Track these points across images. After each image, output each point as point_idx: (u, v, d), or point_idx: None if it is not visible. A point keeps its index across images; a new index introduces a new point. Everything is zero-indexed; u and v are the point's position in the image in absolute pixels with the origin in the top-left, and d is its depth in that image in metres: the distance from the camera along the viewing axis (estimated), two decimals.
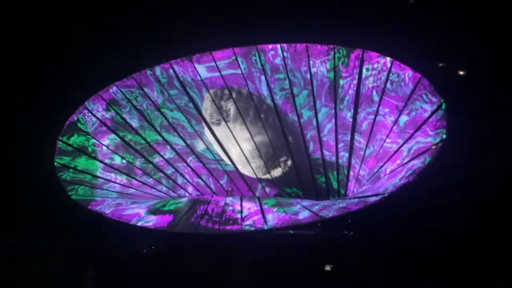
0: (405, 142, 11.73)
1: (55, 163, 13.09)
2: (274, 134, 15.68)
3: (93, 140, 14.15)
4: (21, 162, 12.27)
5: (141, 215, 11.87)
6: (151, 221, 11.61)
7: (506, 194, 9.33)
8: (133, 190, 14.74)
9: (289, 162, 16.23)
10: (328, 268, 8.72)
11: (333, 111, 13.92)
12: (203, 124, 15.82)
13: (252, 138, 15.88)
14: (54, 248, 9.36)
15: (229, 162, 16.64)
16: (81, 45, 12.64)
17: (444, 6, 10.73)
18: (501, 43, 10.30)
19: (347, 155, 14.32)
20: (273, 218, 11.45)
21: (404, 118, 11.89)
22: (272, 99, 14.76)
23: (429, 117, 11.10)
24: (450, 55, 11.28)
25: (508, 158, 10.04)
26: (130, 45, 12.99)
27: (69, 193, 12.50)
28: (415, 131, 11.44)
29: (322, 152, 15.15)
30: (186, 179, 16.51)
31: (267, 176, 16.74)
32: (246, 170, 16.78)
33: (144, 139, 15.25)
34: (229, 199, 12.81)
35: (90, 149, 14.07)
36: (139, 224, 11.44)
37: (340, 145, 14.41)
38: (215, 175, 16.88)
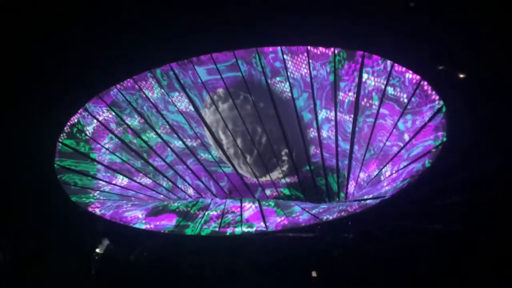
0: (406, 145, 11.72)
1: (55, 165, 13.09)
2: (274, 135, 15.68)
3: (93, 142, 14.15)
4: (20, 163, 12.28)
5: (141, 217, 11.86)
6: (151, 223, 11.60)
7: (506, 196, 9.33)
8: (133, 192, 14.73)
9: (288, 164, 16.22)
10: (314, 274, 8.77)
11: (333, 113, 13.91)
12: (204, 126, 15.81)
13: (250, 137, 15.87)
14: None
15: (229, 164, 16.64)
16: (81, 46, 12.67)
17: (444, 9, 10.74)
18: (502, 45, 10.31)
19: (347, 157, 14.30)
20: (273, 220, 11.43)
21: (404, 121, 11.89)
22: (272, 101, 14.75)
23: (429, 119, 11.10)
24: (450, 57, 11.30)
25: (509, 161, 10.04)
26: (130, 47, 13.01)
27: (69, 196, 12.49)
28: (416, 134, 11.43)
29: (322, 155, 15.15)
30: (186, 181, 16.51)
31: (267, 178, 16.74)
32: (245, 171, 16.78)
33: (145, 141, 15.25)
34: (229, 202, 12.80)
35: (90, 151, 14.07)
36: (139, 226, 11.43)
37: (340, 148, 14.40)
38: (215, 178, 16.87)
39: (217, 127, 15.93)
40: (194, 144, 16.14)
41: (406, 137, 11.84)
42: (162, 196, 15.61)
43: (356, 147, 13.81)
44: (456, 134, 10.36)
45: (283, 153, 16.04)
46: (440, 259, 8.22)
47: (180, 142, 15.87)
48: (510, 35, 10.09)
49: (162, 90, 14.69)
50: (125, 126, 14.82)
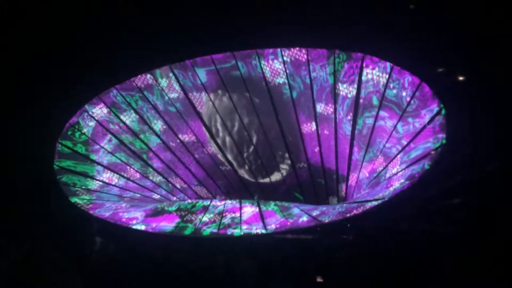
0: (405, 147, 11.74)
1: (54, 166, 13.06)
2: (273, 137, 15.66)
3: (92, 143, 14.13)
4: (20, 164, 12.26)
5: (140, 218, 11.83)
6: (150, 224, 11.57)
7: (506, 199, 9.35)
8: (132, 193, 14.70)
9: (288, 166, 16.21)
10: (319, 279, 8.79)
11: (333, 115, 13.91)
12: (204, 127, 15.80)
13: (250, 139, 15.87)
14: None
15: (229, 166, 16.63)
16: (81, 47, 12.66)
17: (444, 12, 10.79)
18: (501, 48, 10.35)
19: (347, 159, 14.29)
20: (272, 222, 11.42)
21: (403, 123, 11.90)
22: (272, 103, 14.75)
23: (429, 122, 11.12)
24: (450, 60, 11.33)
25: (508, 163, 10.06)
26: (130, 48, 13.01)
27: (68, 197, 12.47)
28: (415, 136, 11.45)
29: (321, 156, 15.13)
30: (185, 182, 16.47)
31: (267, 180, 16.73)
32: (244, 172, 16.77)
33: (145, 142, 15.22)
34: (228, 203, 12.78)
35: (89, 152, 14.04)
36: (138, 227, 11.40)
37: (340, 149, 14.40)
38: (215, 179, 16.84)
39: (217, 128, 15.93)
40: (193, 145, 16.11)
41: (406, 139, 11.85)
42: (161, 197, 15.58)
43: (355, 149, 13.81)
44: (456, 136, 10.39)
45: (282, 154, 16.04)
46: (440, 260, 8.23)
47: (180, 143, 15.85)
48: (509, 37, 10.13)
49: (162, 91, 14.68)
50: (125, 127, 14.80)
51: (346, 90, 13.19)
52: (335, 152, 14.52)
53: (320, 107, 14.10)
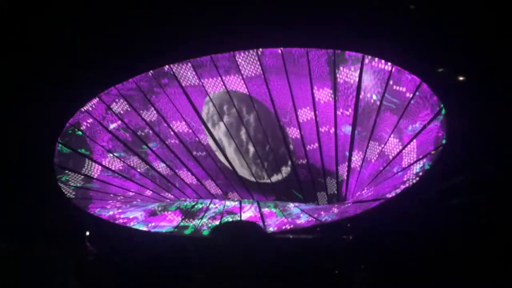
0: (405, 147, 11.75)
1: (54, 165, 13.08)
2: (274, 138, 15.67)
3: (92, 142, 14.14)
4: (19, 164, 12.26)
5: (140, 218, 11.86)
6: (149, 224, 11.59)
7: (505, 199, 9.35)
8: (132, 193, 14.72)
9: (288, 166, 16.21)
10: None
11: (333, 115, 13.93)
12: (203, 127, 15.79)
13: (251, 140, 15.86)
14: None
15: (228, 165, 16.62)
16: (81, 47, 12.63)
17: (444, 12, 10.77)
18: (501, 48, 10.33)
19: (347, 159, 14.30)
20: (272, 222, 11.45)
21: (404, 123, 11.91)
22: (272, 103, 14.75)
23: (428, 122, 11.13)
24: (450, 60, 11.31)
25: (509, 163, 10.06)
26: (129, 48, 12.99)
27: (68, 196, 12.50)
28: (415, 136, 11.46)
29: (321, 156, 15.13)
30: (185, 182, 16.48)
31: (267, 180, 16.72)
32: (244, 171, 16.76)
33: (144, 142, 15.23)
34: (228, 203, 12.81)
35: (88, 151, 14.06)
36: (137, 227, 11.44)
37: (340, 149, 14.41)
38: (214, 179, 16.84)
39: (218, 130, 15.94)
40: (194, 145, 16.12)
41: (406, 139, 11.86)
42: (161, 197, 15.60)
43: (355, 149, 13.82)
44: (456, 136, 10.39)
45: (282, 152, 16.05)
46: (440, 260, 8.23)
47: (180, 143, 15.85)
48: (510, 37, 10.11)
49: (162, 90, 14.67)
50: (125, 126, 14.81)
51: (346, 89, 13.20)
52: (335, 151, 14.53)
53: (319, 106, 14.12)
